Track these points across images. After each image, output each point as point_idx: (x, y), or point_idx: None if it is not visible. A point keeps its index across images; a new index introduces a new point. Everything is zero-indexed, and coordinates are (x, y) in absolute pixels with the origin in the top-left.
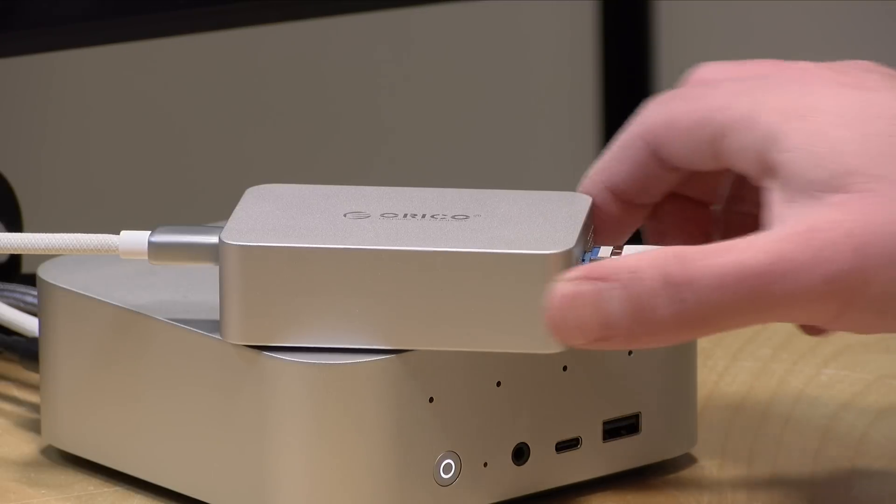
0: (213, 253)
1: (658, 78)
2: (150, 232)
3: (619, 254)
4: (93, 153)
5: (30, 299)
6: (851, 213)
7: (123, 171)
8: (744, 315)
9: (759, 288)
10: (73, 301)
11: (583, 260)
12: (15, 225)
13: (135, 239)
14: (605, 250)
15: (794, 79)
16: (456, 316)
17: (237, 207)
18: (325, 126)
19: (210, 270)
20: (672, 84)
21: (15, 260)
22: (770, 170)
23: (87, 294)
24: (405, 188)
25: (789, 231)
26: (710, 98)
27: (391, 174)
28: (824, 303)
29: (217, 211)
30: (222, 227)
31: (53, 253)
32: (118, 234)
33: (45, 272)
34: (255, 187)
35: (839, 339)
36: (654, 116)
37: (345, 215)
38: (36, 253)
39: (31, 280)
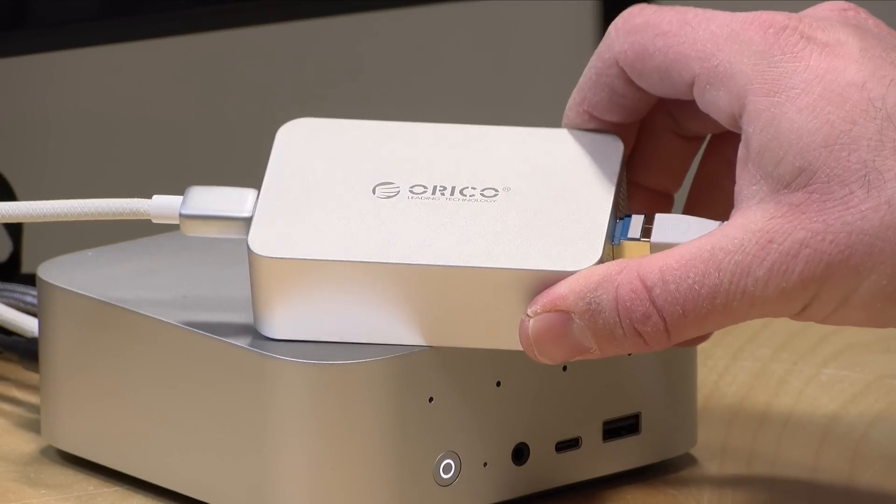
0: (243, 227)
1: None
2: (181, 198)
3: (651, 228)
4: (93, 153)
5: (29, 299)
6: (807, 218)
7: (123, 171)
8: (707, 327)
9: (719, 308)
10: (72, 301)
11: (613, 239)
12: (15, 224)
13: (166, 204)
14: (635, 224)
15: (769, 40)
16: (480, 318)
17: (269, 169)
18: None
19: (210, 268)
20: None
21: (15, 260)
22: (740, 131)
23: (86, 294)
24: (438, 130)
25: (747, 235)
26: (686, 39)
27: None
28: (783, 306)
29: None
30: (255, 194)
31: (83, 219)
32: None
33: (44, 272)
34: (287, 129)
35: (839, 339)
36: (624, 46)
37: (374, 191)
38: (67, 220)
39: (30, 280)
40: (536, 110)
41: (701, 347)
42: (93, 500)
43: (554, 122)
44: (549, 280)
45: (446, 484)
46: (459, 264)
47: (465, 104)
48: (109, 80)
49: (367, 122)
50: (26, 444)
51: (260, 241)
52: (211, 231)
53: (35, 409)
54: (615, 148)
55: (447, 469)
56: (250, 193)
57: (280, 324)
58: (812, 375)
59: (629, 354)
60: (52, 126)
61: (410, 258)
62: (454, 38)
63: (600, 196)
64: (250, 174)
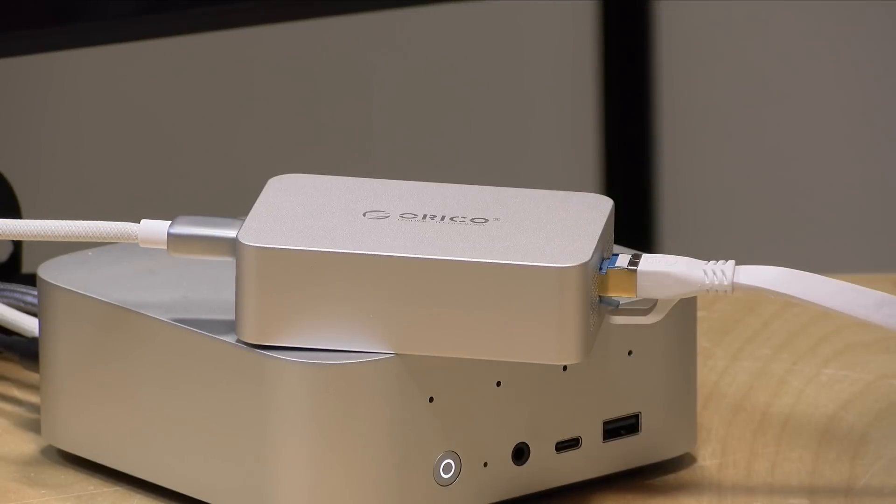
0: (231, 247)
1: (658, 78)
2: (169, 222)
3: (637, 262)
4: (93, 153)
5: (30, 299)
6: None
7: (124, 171)
8: None
9: None
10: (72, 301)
11: (601, 269)
12: None
13: (154, 228)
14: (623, 258)
15: None
16: (470, 325)
17: (258, 200)
18: (326, 127)
19: (210, 269)
20: (672, 84)
21: (15, 260)
22: None
23: (87, 294)
24: (427, 184)
25: None
26: None
27: (391, 177)
28: None
29: (218, 211)
30: (242, 221)
31: (72, 240)
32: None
33: (45, 272)
34: (278, 178)
35: (839, 339)
36: None
37: (364, 214)
38: (55, 240)
39: (31, 280)
40: (536, 110)
41: (701, 347)
42: (93, 500)
43: (550, 121)
44: (537, 276)
45: (446, 484)
46: (447, 258)
47: (465, 104)
48: (109, 81)
49: (356, 179)
50: (26, 444)
51: (249, 235)
52: (197, 251)
53: (35, 409)
54: (605, 202)
55: (447, 469)
56: (238, 220)
57: (265, 326)
58: (812, 375)
59: (629, 353)
60: (52, 126)
61: (401, 251)
62: (454, 39)
63: (589, 225)
64: (249, 172)
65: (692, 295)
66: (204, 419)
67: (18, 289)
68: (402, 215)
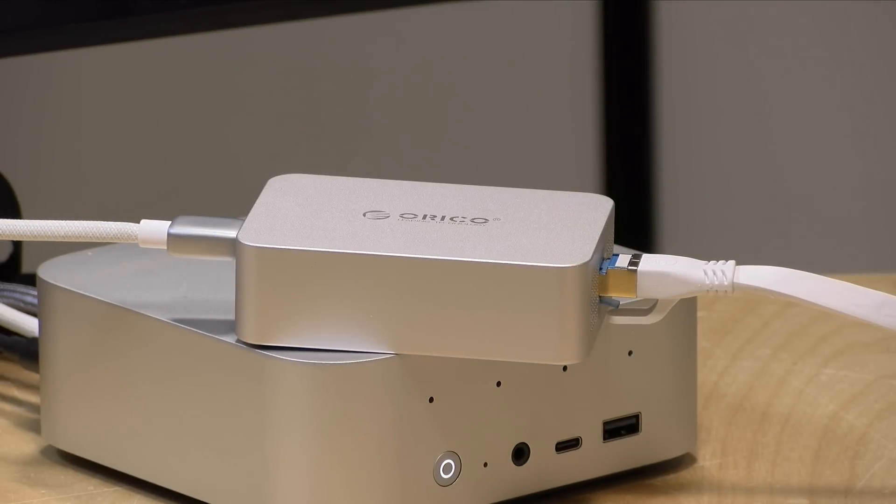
0: (230, 247)
1: (658, 78)
2: (169, 222)
3: (637, 263)
4: (93, 153)
5: (30, 299)
6: None
7: (124, 172)
8: None
9: None
10: (72, 301)
11: (601, 269)
12: None
13: (154, 228)
14: (623, 258)
15: None
16: (471, 325)
17: (258, 200)
18: (326, 127)
19: (209, 269)
20: (672, 84)
21: (15, 260)
22: None
23: (86, 294)
24: (427, 184)
25: None
26: None
27: (391, 177)
28: None
29: (218, 211)
30: (242, 221)
31: (72, 240)
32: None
33: (44, 272)
34: (278, 178)
35: (839, 339)
36: None
37: (364, 214)
38: (55, 240)
39: (30, 280)
40: (536, 110)
41: (701, 347)
42: (93, 500)
43: (550, 120)
44: (537, 276)
45: (446, 484)
46: (447, 258)
47: (464, 104)
48: (109, 80)
49: (356, 179)
50: (26, 444)
51: (249, 235)
52: (197, 251)
53: (35, 409)
54: (605, 202)
55: (447, 469)
56: (238, 220)
57: (265, 326)
58: (812, 375)
59: (629, 353)
60: (52, 126)
61: (401, 251)
62: (454, 39)
63: (589, 225)
64: (249, 172)
65: (692, 295)
66: (204, 419)
67: (18, 289)
68: (402, 215)
